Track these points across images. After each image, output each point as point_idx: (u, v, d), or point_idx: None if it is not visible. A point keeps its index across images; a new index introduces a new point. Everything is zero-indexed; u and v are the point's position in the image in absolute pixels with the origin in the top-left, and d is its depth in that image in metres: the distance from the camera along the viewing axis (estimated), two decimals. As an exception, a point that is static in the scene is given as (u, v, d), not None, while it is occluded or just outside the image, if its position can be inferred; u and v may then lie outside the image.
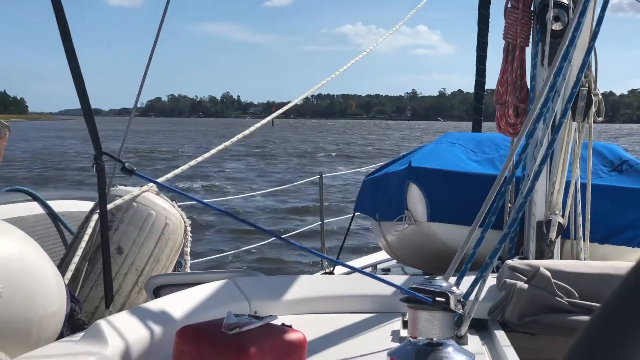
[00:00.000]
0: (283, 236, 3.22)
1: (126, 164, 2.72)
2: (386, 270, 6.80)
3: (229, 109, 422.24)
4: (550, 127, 3.91)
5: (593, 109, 4.42)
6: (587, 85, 4.35)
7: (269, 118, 5.38)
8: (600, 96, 4.50)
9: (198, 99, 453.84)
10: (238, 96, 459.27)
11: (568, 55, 3.35)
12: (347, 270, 5.88)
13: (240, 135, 4.93)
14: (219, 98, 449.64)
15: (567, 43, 3.32)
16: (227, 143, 4.88)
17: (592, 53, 4.13)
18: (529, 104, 4.55)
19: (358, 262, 7.49)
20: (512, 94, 4.67)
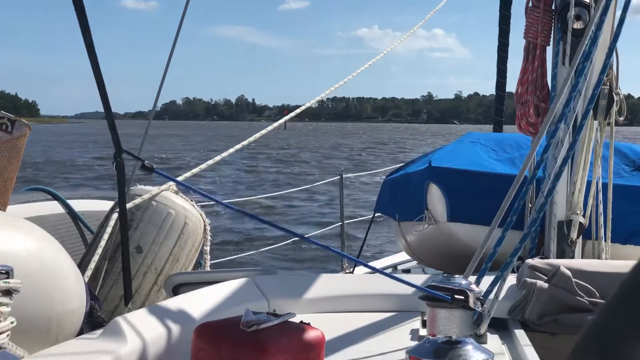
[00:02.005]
0: (301, 236, 3.21)
1: (145, 162, 2.72)
2: (406, 271, 6.79)
3: (243, 112, 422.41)
4: (571, 127, 3.89)
5: (615, 108, 4.39)
6: (608, 84, 4.33)
7: (282, 120, 5.38)
8: (621, 95, 4.47)
9: (213, 102, 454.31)
10: (253, 99, 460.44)
11: (589, 54, 3.33)
12: (367, 271, 5.88)
13: (252, 138, 4.94)
14: (233, 101, 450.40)
15: (588, 42, 3.30)
16: (245, 142, 4.89)
17: (614, 52, 4.11)
18: (550, 103, 4.53)
19: (378, 263, 7.48)
20: (532, 93, 4.65)
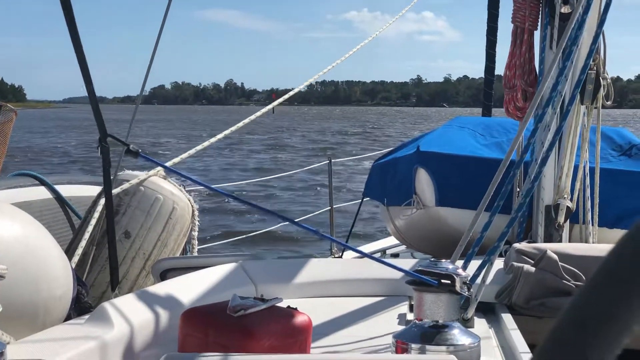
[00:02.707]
0: (291, 220, 3.21)
1: (131, 146, 2.71)
2: (395, 256, 6.80)
3: (232, 96, 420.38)
4: (558, 111, 3.89)
5: (602, 93, 4.40)
6: (595, 68, 4.33)
7: (271, 105, 5.36)
8: (609, 80, 4.47)
9: (202, 87, 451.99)
10: (242, 83, 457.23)
11: (576, 38, 3.33)
12: (355, 255, 5.88)
13: (241, 124, 4.94)
14: (222, 85, 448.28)
15: (575, 26, 3.30)
16: (233, 128, 4.89)
17: (601, 37, 4.11)
18: (537, 87, 4.53)
19: (367, 248, 7.48)
20: (520, 77, 4.64)
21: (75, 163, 33.66)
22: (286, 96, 5.55)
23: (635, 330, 0.54)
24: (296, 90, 5.67)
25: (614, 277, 0.54)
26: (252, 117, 5.07)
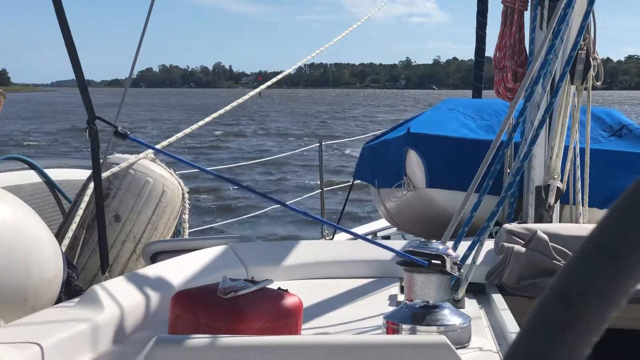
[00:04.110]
0: (282, 203, 3.21)
1: (119, 128, 2.69)
2: (386, 238, 6.80)
3: (220, 79, 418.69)
4: (548, 90, 3.89)
5: (592, 73, 4.39)
6: (585, 48, 4.32)
7: (261, 88, 5.35)
8: (599, 60, 4.47)
9: (189, 70, 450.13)
10: (230, 66, 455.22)
11: (566, 17, 3.32)
12: (346, 238, 5.88)
13: (229, 107, 4.93)
14: (210, 68, 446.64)
15: (565, 5, 3.29)
16: (221, 111, 4.88)
17: (591, 16, 4.10)
18: (527, 67, 4.52)
19: (357, 231, 7.45)
20: (510, 58, 4.64)
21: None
22: (274, 79, 5.52)
23: (625, 306, 0.54)
24: (285, 73, 5.65)
25: (599, 250, 0.54)
26: (240, 100, 5.05)
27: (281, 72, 5.65)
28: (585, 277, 0.53)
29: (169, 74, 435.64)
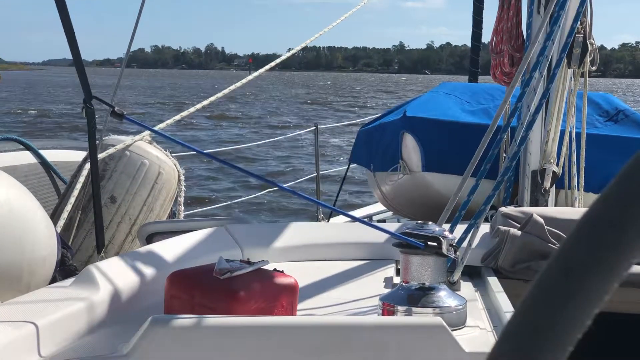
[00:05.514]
0: (278, 185, 3.20)
1: (116, 109, 2.69)
2: (382, 222, 6.80)
3: (213, 60, 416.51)
4: (545, 75, 3.88)
5: (588, 58, 4.39)
6: (582, 32, 4.32)
7: (258, 72, 5.33)
8: (595, 45, 4.46)
9: (182, 51, 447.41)
10: (222, 48, 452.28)
11: (564, 1, 3.31)
12: (342, 221, 5.88)
13: (227, 90, 4.93)
14: (203, 49, 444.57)
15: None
16: (219, 95, 4.88)
17: (588, 1, 4.10)
18: (524, 52, 4.52)
19: (353, 214, 7.49)
20: (507, 42, 4.63)
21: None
22: (267, 67, 5.48)
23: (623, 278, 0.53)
24: (279, 60, 5.62)
25: (600, 222, 0.54)
26: (239, 84, 5.05)
27: (273, 54, 5.66)
28: (587, 247, 0.53)
29: (161, 54, 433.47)
